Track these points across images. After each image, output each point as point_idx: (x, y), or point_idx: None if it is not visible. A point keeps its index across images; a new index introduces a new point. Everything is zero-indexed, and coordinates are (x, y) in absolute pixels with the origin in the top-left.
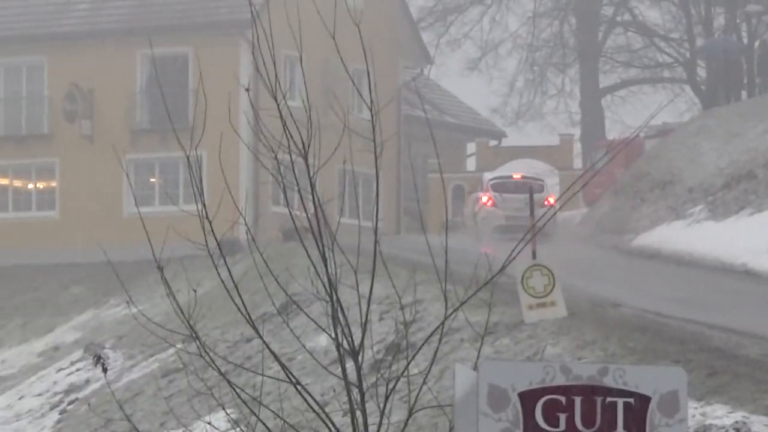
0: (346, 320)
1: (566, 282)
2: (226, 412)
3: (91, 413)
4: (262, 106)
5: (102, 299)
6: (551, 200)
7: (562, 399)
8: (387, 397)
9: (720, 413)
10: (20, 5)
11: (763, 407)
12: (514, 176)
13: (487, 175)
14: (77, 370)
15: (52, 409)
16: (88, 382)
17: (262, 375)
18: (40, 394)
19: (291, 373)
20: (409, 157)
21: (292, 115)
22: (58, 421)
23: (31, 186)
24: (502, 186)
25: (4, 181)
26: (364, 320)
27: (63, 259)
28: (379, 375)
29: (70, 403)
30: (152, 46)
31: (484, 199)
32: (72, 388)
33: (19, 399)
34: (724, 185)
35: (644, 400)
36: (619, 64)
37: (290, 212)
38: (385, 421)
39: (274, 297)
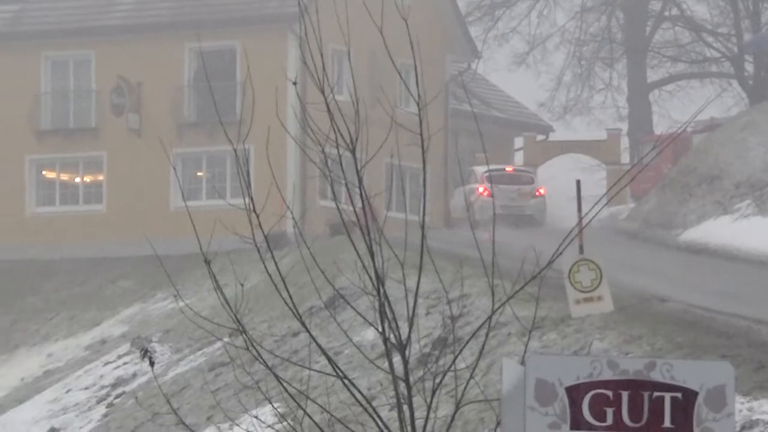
0: (393, 314)
1: (613, 277)
2: (273, 406)
3: (138, 407)
4: (309, 100)
5: (149, 293)
6: (542, 191)
7: (609, 393)
8: (434, 392)
9: (767, 408)
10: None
11: None
12: (507, 169)
13: (479, 169)
14: (124, 363)
15: (98, 402)
16: (134, 375)
17: (309, 369)
18: (86, 388)
19: (338, 367)
20: (456, 152)
21: (339, 109)
22: (105, 415)
23: (78, 180)
24: (496, 178)
25: (52, 175)
26: (411, 314)
27: (110, 252)
28: (426, 369)
29: (116, 397)
30: (200, 39)
31: (480, 189)
32: (119, 382)
33: (66, 392)
34: None
35: (691, 394)
36: (667, 58)
37: (337, 206)
38: (431, 415)
39: (321, 291)
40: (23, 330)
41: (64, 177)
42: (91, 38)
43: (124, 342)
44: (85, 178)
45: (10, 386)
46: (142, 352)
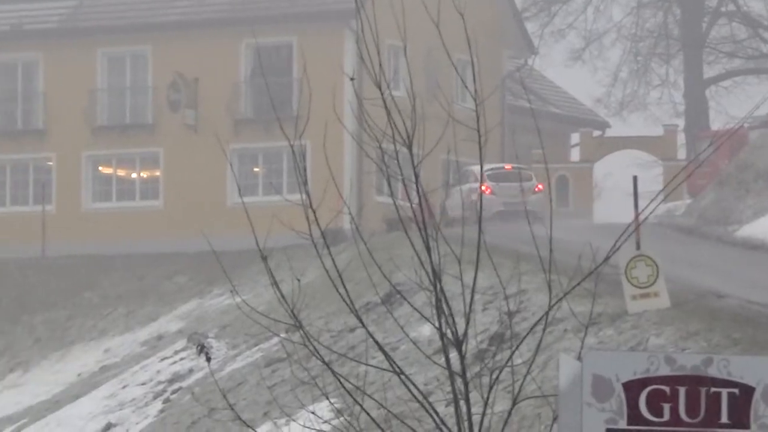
0: (449, 310)
1: (670, 273)
2: (329, 402)
3: (195, 402)
4: (366, 95)
5: (206, 289)
6: (540, 187)
7: (667, 389)
8: (491, 387)
9: None
10: None
11: None
12: (506, 167)
13: (476, 168)
14: (181, 359)
15: (155, 398)
16: (191, 371)
17: (366, 364)
18: (143, 383)
19: (395, 363)
20: (512, 148)
21: (396, 105)
22: (161, 411)
23: (135, 175)
24: (497, 176)
25: (108, 171)
26: (467, 310)
27: (167, 248)
28: (482, 365)
29: (173, 392)
30: (256, 35)
31: (483, 188)
32: (175, 378)
33: (123, 388)
34: None
35: (748, 390)
36: (724, 54)
37: (394, 202)
38: (488, 411)
39: (378, 287)
40: (80, 325)
41: (121, 173)
42: (148, 34)
43: (181, 338)
44: (141, 174)
45: (67, 382)
46: (199, 348)
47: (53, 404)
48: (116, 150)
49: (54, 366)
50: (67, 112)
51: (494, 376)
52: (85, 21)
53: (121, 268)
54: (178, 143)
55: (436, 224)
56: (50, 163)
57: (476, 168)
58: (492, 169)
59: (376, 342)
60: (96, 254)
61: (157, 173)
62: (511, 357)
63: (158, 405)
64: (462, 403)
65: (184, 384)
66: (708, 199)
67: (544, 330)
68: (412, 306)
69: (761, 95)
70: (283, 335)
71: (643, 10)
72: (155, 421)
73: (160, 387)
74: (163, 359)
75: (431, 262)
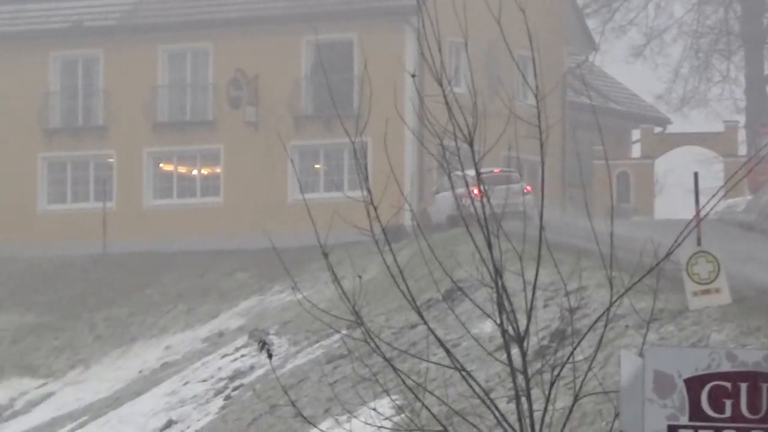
0: (511, 306)
1: (731, 269)
2: (390, 398)
3: (256, 399)
4: (427, 92)
5: (266, 285)
6: (529, 188)
7: (728, 385)
8: (552, 384)
9: None
10: None
11: None
12: (494, 170)
13: (468, 173)
14: (242, 356)
15: (216, 395)
16: (252, 368)
17: (427, 361)
18: (204, 380)
19: (456, 360)
20: (573, 144)
21: (457, 102)
22: (223, 407)
23: (195, 172)
24: (488, 179)
25: (169, 168)
26: (529, 306)
27: (227, 245)
28: (544, 361)
29: (234, 389)
30: (317, 32)
31: (476, 191)
32: (236, 374)
33: (184, 385)
34: None
35: None
36: None
37: (455, 198)
38: (549, 407)
39: (439, 283)
40: (141, 323)
41: (182, 170)
42: (209, 31)
43: (242, 334)
44: (202, 171)
45: (128, 378)
46: (260, 345)
47: (114, 401)
48: (177, 147)
49: (115, 363)
50: (128, 109)
51: (555, 373)
52: (146, 18)
53: (181, 265)
54: (239, 140)
55: (497, 220)
56: (111, 160)
57: (467, 173)
58: (482, 173)
59: (438, 338)
60: (156, 251)
61: (218, 170)
62: (572, 353)
63: (219, 402)
64: (523, 399)
65: (245, 381)
66: None
67: (605, 326)
68: (473, 302)
69: None
70: (344, 332)
71: (704, 6)
72: (216, 418)
73: (221, 384)
74: (224, 356)
75: (492, 258)
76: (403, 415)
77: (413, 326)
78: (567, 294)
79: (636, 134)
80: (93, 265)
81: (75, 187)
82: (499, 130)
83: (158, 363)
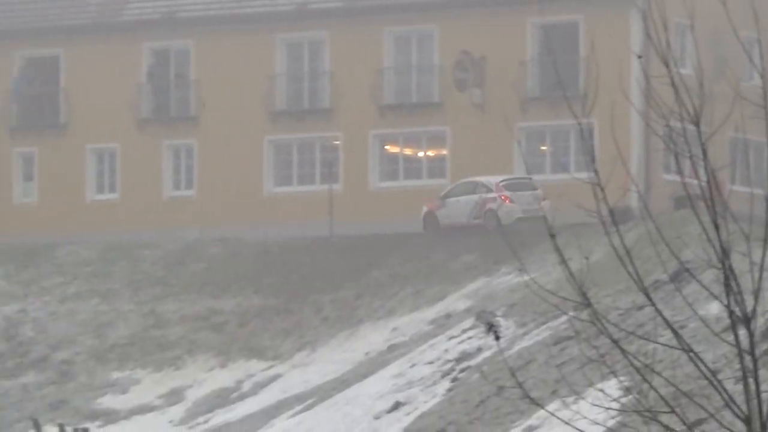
0: (738, 287)
1: None
2: (618, 380)
3: (483, 381)
4: (653, 73)
5: (493, 267)
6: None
7: None
8: None
9: None
10: None
11: None
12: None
13: (483, 180)
14: (468, 338)
15: (443, 377)
16: (479, 350)
17: (655, 342)
18: (431, 362)
19: (683, 341)
20: None
21: (683, 82)
22: (450, 389)
23: (421, 154)
24: (512, 185)
25: (395, 150)
26: (756, 287)
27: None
28: None
29: (461, 371)
30: (543, 14)
31: (501, 197)
32: (463, 356)
33: (411, 367)
34: None
35: None
36: None
37: (682, 180)
38: None
39: (666, 264)
40: (368, 305)
41: (408, 151)
42: (435, 13)
43: (469, 316)
44: (428, 153)
45: (355, 360)
46: (487, 327)
47: (341, 383)
48: (403, 129)
49: (342, 345)
50: (354, 91)
51: None
52: (372, 0)
53: (407, 248)
54: (465, 122)
55: (724, 201)
56: (337, 143)
57: (486, 179)
58: (505, 180)
59: (665, 320)
60: (383, 233)
61: (444, 152)
62: None
63: (446, 384)
64: (751, 380)
65: (472, 363)
66: None
67: None
68: (700, 283)
69: None
70: (571, 313)
71: None
72: (443, 400)
73: (448, 366)
74: (451, 338)
75: (719, 239)
76: (630, 397)
77: (640, 308)
78: None
79: None
80: (319, 247)
81: (301, 170)
82: (725, 111)
83: (385, 345)
